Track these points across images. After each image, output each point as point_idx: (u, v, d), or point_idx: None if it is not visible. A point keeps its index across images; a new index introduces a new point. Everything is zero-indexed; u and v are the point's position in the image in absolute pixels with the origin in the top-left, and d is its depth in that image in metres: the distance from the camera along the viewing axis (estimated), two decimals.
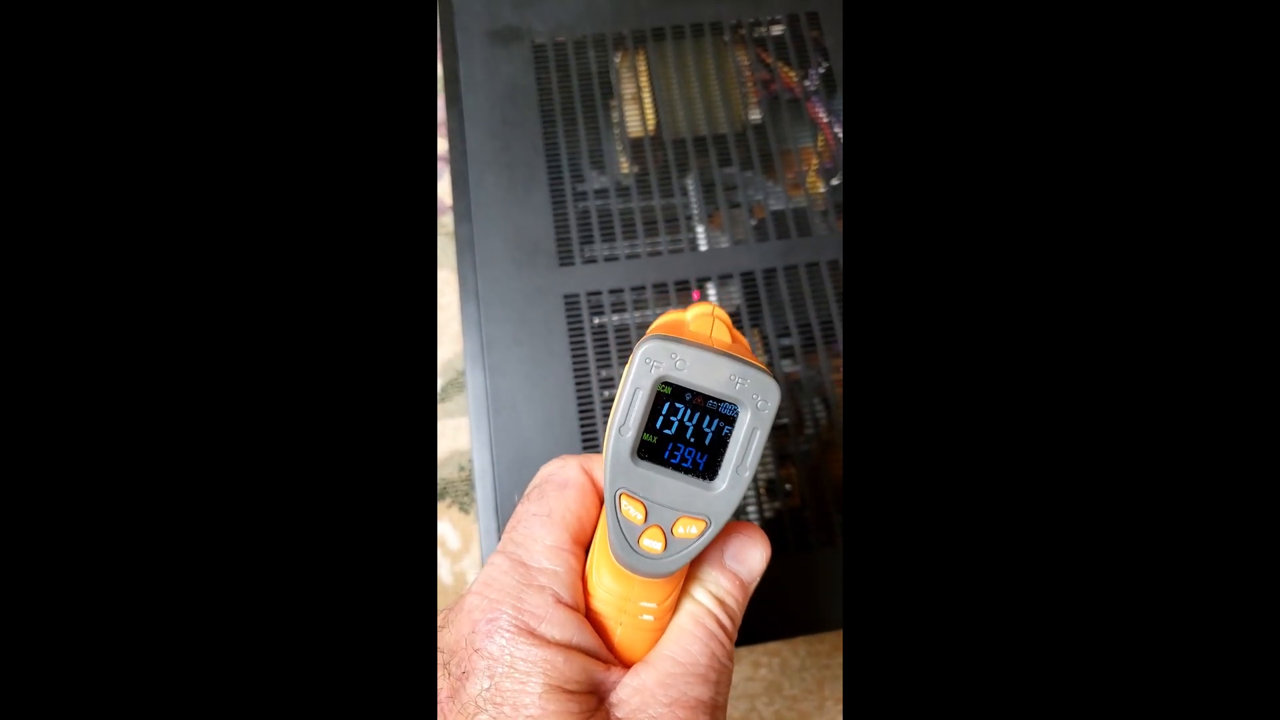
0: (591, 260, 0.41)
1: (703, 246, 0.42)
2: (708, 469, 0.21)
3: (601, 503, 0.24)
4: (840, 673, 0.45)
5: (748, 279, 0.41)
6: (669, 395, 0.21)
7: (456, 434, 0.49)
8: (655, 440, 0.21)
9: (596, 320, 0.40)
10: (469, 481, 0.46)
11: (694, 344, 0.21)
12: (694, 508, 0.21)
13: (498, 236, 0.41)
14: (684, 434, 0.21)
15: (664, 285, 0.41)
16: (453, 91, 0.44)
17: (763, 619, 0.36)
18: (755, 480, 0.38)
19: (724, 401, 0.21)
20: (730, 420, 0.21)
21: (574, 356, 0.39)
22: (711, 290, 0.41)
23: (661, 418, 0.21)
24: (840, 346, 0.40)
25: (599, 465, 0.25)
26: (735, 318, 0.41)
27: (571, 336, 0.39)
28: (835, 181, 0.45)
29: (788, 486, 0.39)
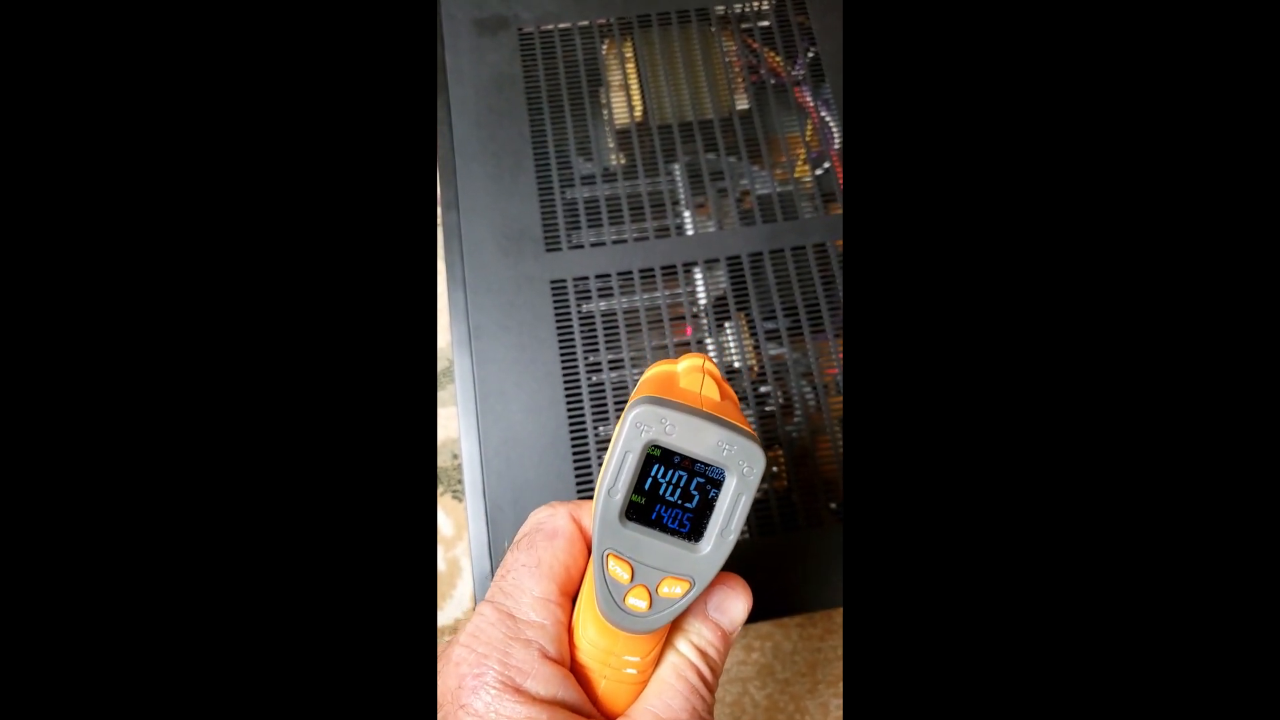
0: (578, 246, 0.41)
1: (689, 231, 0.42)
2: (693, 530, 0.22)
3: (589, 551, 0.25)
4: (833, 656, 0.45)
5: (734, 263, 0.41)
6: (658, 457, 0.21)
7: (448, 422, 0.50)
8: (643, 501, 0.22)
9: (584, 306, 0.40)
10: (461, 469, 0.46)
11: (683, 408, 0.21)
12: (679, 569, 0.22)
13: (484, 224, 0.41)
14: (671, 495, 0.22)
15: (650, 270, 0.41)
16: (439, 80, 0.44)
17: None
18: None
19: (711, 465, 0.21)
20: (717, 484, 0.22)
21: (561, 342, 0.39)
22: (698, 275, 0.41)
23: (650, 479, 0.22)
24: (827, 332, 0.40)
25: (587, 513, 0.25)
26: (721, 302, 0.41)
27: (558, 322, 0.40)
28: (826, 166, 0.45)
29: (775, 469, 0.39)
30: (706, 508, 0.22)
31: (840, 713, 0.44)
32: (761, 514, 0.38)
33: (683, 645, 0.24)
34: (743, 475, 0.21)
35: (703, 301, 0.41)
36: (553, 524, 0.25)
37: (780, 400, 0.40)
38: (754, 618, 0.37)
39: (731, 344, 0.40)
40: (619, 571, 0.22)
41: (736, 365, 0.40)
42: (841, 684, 0.45)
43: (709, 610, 0.25)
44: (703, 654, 0.24)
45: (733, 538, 0.22)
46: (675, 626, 0.25)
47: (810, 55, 0.47)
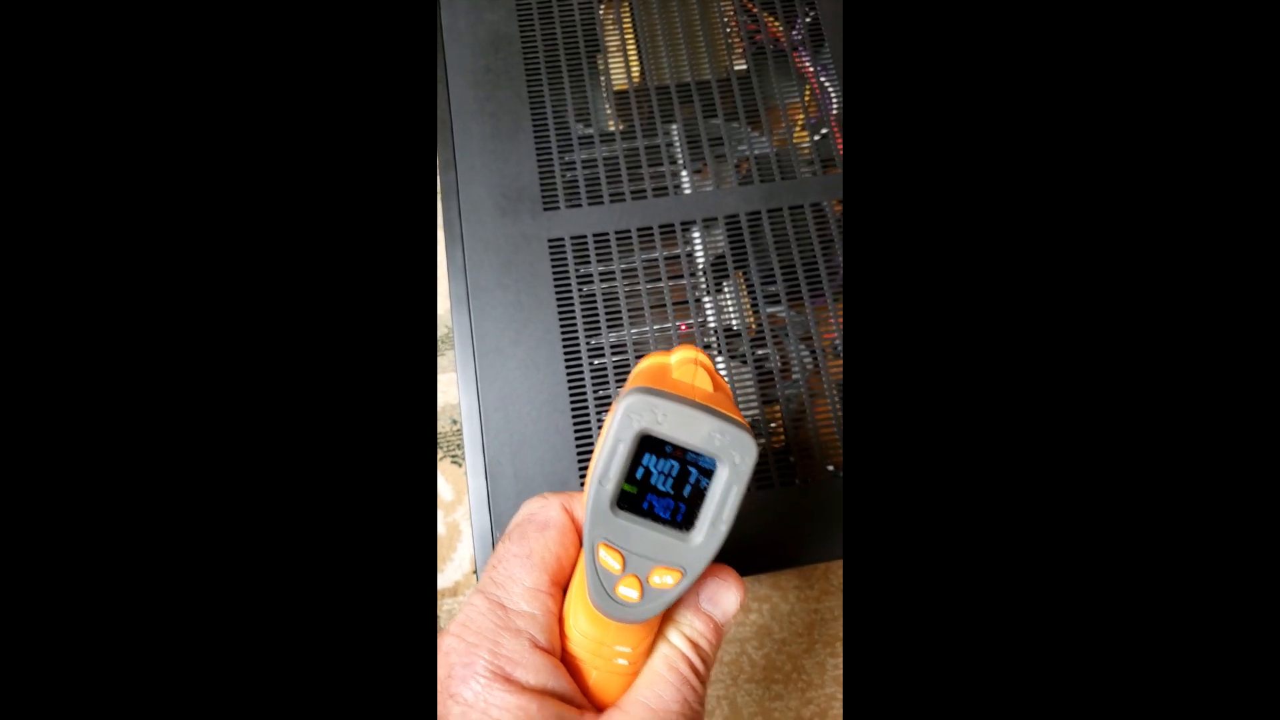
0: (576, 205, 0.41)
1: (687, 190, 0.42)
2: (685, 520, 0.22)
3: (581, 542, 0.25)
4: (829, 616, 0.45)
5: (732, 222, 0.41)
6: (649, 447, 0.21)
7: (447, 388, 0.50)
8: (635, 490, 0.22)
9: (581, 267, 0.40)
10: (460, 434, 0.46)
11: (675, 398, 0.21)
12: (670, 559, 0.22)
13: (482, 184, 0.41)
14: (663, 485, 0.22)
15: (649, 229, 0.41)
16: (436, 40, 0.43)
17: (748, 552, 0.37)
18: None
19: (703, 455, 0.21)
20: (708, 473, 0.21)
21: (559, 300, 0.39)
22: (696, 235, 0.41)
23: (642, 468, 0.21)
24: (825, 295, 0.40)
25: (579, 504, 0.25)
26: (719, 262, 0.41)
27: (556, 281, 0.40)
28: (824, 132, 0.45)
29: (773, 424, 0.39)
30: (698, 497, 0.22)
31: (837, 672, 0.45)
32: (759, 468, 0.38)
33: (674, 637, 0.25)
34: (734, 466, 0.21)
35: (701, 261, 0.41)
36: (544, 515, 0.25)
37: (779, 363, 0.40)
38: (753, 571, 0.37)
39: (730, 304, 0.40)
40: (610, 561, 0.22)
41: (735, 326, 0.40)
42: (838, 644, 0.45)
43: (701, 602, 0.25)
44: (694, 645, 0.24)
45: (724, 528, 0.22)
46: (667, 618, 0.25)
47: (809, 19, 0.47)
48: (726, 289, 0.41)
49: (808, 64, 0.46)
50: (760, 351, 0.40)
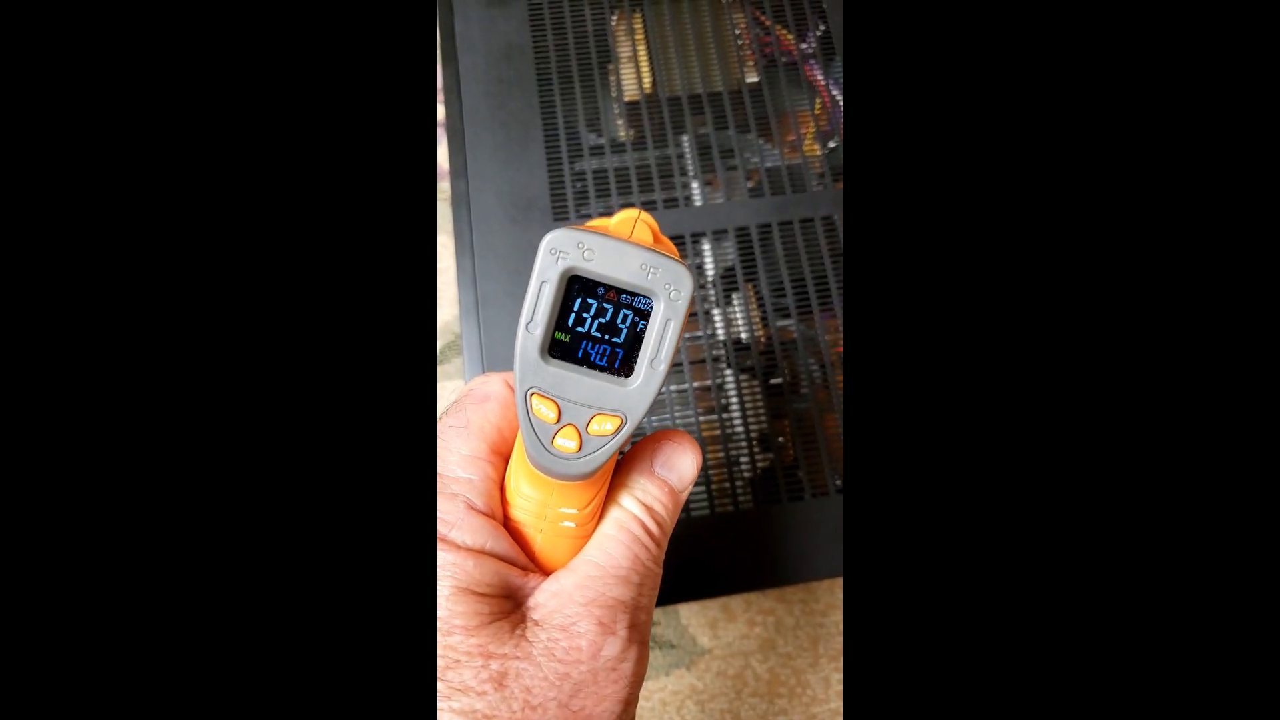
0: (586, 216, 0.41)
1: (697, 202, 0.42)
2: (623, 366, 0.21)
3: None
4: (834, 630, 0.45)
5: (742, 235, 0.41)
6: (580, 290, 0.20)
7: (454, 397, 0.50)
8: (568, 339, 0.21)
9: None
10: None
11: (602, 234, 0.20)
12: (608, 404, 0.21)
13: (493, 192, 0.41)
14: (598, 331, 0.21)
15: None
16: (449, 49, 0.44)
17: (754, 567, 0.36)
18: (747, 432, 0.38)
19: (638, 295, 0.20)
20: (645, 315, 0.20)
21: None
22: (706, 247, 0.41)
23: (574, 315, 0.20)
24: (835, 309, 0.40)
25: None
26: (729, 274, 0.41)
27: None
28: (833, 144, 0.45)
29: (781, 439, 0.39)
30: (636, 341, 0.21)
31: (840, 686, 0.45)
32: (766, 483, 0.38)
33: (626, 501, 0.24)
34: (670, 300, 0.20)
35: (710, 273, 0.41)
36: (485, 389, 0.24)
37: (788, 377, 0.40)
38: (760, 586, 0.37)
39: (739, 317, 0.40)
40: (544, 411, 0.21)
41: (744, 338, 0.40)
42: (842, 658, 0.45)
43: (655, 468, 0.24)
44: (648, 509, 0.24)
45: (663, 368, 0.20)
46: (619, 485, 0.24)
47: (820, 31, 0.47)
48: (736, 301, 0.41)
49: (819, 76, 0.46)
50: (769, 365, 0.40)
